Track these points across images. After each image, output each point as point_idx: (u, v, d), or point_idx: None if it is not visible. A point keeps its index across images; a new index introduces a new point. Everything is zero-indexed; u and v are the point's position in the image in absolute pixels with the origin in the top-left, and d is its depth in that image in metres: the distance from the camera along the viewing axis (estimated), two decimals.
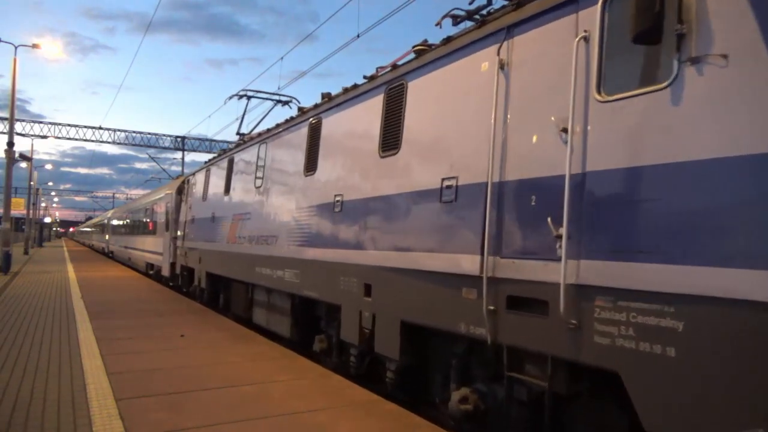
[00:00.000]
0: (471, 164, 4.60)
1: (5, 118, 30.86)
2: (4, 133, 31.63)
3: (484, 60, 4.62)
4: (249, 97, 12.92)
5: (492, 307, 4.18)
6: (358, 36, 13.47)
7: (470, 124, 4.69)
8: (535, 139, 4.00)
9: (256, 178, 9.83)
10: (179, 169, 43.71)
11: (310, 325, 8.09)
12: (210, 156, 42.57)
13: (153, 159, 42.35)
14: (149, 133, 40.65)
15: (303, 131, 8.08)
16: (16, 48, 22.33)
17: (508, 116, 4.27)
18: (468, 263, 4.46)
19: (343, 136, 7.00)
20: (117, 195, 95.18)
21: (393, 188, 5.66)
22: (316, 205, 7.34)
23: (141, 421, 4.63)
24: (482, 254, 4.29)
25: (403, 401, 5.61)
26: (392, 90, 5.96)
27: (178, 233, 16.06)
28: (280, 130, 9.08)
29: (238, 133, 12.92)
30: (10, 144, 21.29)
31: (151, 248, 20.75)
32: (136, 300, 13.15)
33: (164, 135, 41.23)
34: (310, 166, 7.65)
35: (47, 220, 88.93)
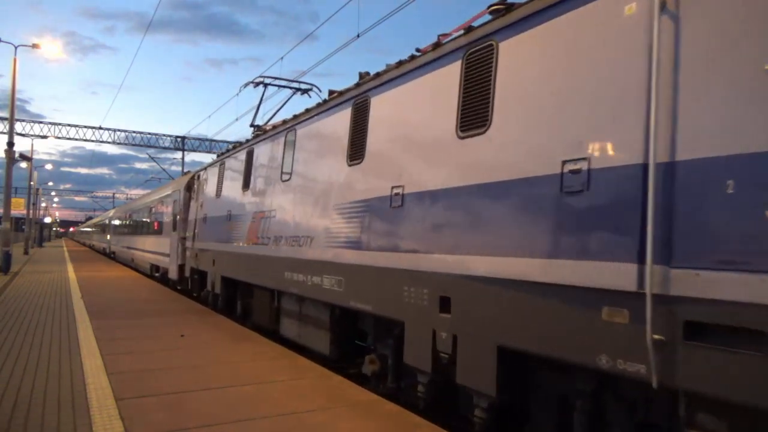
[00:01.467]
0: (610, 140, 3.52)
1: (5, 118, 30.88)
2: (4, 133, 31.65)
3: (629, 1, 3.51)
4: (266, 85, 11.98)
5: (659, 337, 3.10)
6: (358, 36, 13.48)
7: (605, 87, 3.59)
8: (733, 100, 2.92)
9: (282, 170, 8.64)
10: (179, 169, 43.76)
11: (353, 340, 7.24)
12: (210, 156, 42.72)
13: (153, 159, 42.42)
14: (149, 133, 40.67)
15: (344, 114, 6.92)
16: (16, 48, 22.35)
17: (680, 73, 3.17)
18: (614, 274, 3.37)
19: (401, 115, 5.79)
20: (117, 195, 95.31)
21: (482, 176, 4.54)
22: (364, 200, 6.20)
23: (141, 421, 4.63)
24: (641, 262, 3.21)
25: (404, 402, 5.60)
26: (475, 54, 4.79)
27: (188, 233, 14.99)
28: (313, 114, 7.88)
29: (252, 125, 11.94)
30: (10, 144, 21.29)
31: (157, 249, 19.58)
32: (136, 300, 13.14)
33: (164, 135, 41.25)
34: (356, 153, 6.50)
35: (47, 220, 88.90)
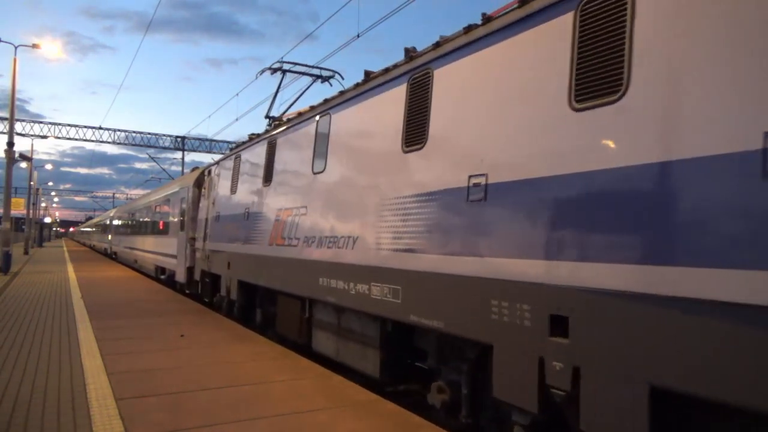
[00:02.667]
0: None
1: (5, 118, 30.89)
2: (3, 133, 31.66)
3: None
4: (284, 71, 10.95)
5: None
6: (358, 36, 13.47)
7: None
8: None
9: (314, 161, 7.54)
10: (179, 169, 43.79)
11: (406, 361, 6.19)
12: (210, 156, 42.73)
13: (153, 159, 42.46)
14: (149, 133, 40.70)
15: (396, 93, 5.89)
16: (16, 48, 22.35)
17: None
18: None
19: (478, 89, 4.74)
20: (117, 195, 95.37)
21: (621, 158, 3.39)
22: (428, 193, 5.14)
23: (141, 421, 4.63)
24: None
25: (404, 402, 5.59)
26: (591, 5, 3.76)
27: (197, 233, 13.83)
28: (352, 96, 6.84)
29: (267, 116, 11.01)
30: (10, 144, 21.29)
31: (163, 250, 18.31)
32: (136, 300, 13.14)
33: (164, 135, 41.29)
34: (415, 137, 5.46)
35: (47, 220, 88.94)
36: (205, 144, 41.88)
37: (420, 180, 5.32)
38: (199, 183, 14.63)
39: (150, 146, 40.63)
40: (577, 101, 3.75)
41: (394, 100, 5.92)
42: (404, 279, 5.36)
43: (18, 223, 63.72)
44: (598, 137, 3.58)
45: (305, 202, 7.69)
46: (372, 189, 6.11)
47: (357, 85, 6.85)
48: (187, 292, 14.99)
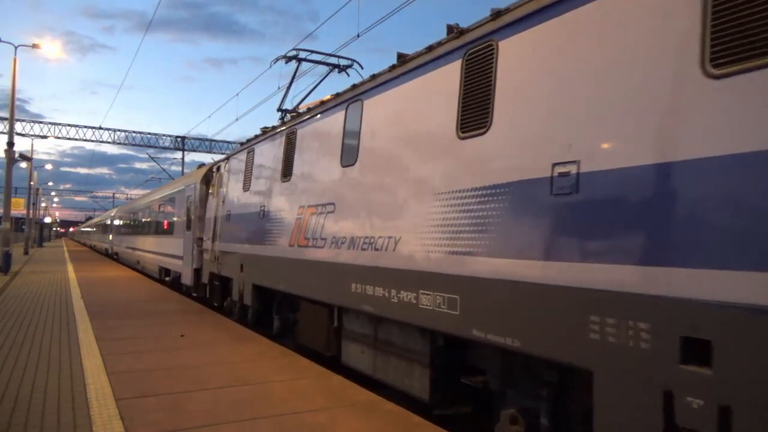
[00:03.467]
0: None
1: (5, 118, 30.90)
2: (3, 133, 31.66)
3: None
4: (300, 60, 10.17)
5: None
6: (358, 36, 13.48)
7: None
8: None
9: (343, 153, 6.76)
10: (179, 169, 43.80)
11: (459, 380, 5.15)
12: (210, 156, 42.72)
13: (153, 159, 42.46)
14: (149, 133, 40.73)
15: (446, 72, 5.10)
16: (16, 48, 22.34)
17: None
18: None
19: (565, 59, 3.93)
20: (117, 195, 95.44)
21: None
22: (496, 185, 4.35)
23: (141, 421, 4.63)
24: None
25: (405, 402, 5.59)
26: None
27: (205, 233, 13.01)
28: (387, 80, 6.09)
29: (280, 109, 10.21)
30: (10, 144, 21.30)
31: (168, 251, 17.44)
32: (136, 300, 13.14)
33: (164, 135, 41.32)
34: (474, 121, 4.69)
35: (47, 220, 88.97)
36: (205, 144, 41.91)
37: (483, 170, 4.50)
38: (206, 180, 13.80)
39: (150, 146, 40.68)
40: (713, 65, 2.95)
41: (443, 81, 5.12)
42: (464, 287, 4.55)
43: (18, 223, 63.73)
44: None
45: (333, 199, 6.90)
46: (417, 183, 5.29)
47: (393, 67, 6.07)
48: (194, 295, 14.10)
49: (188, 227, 14.46)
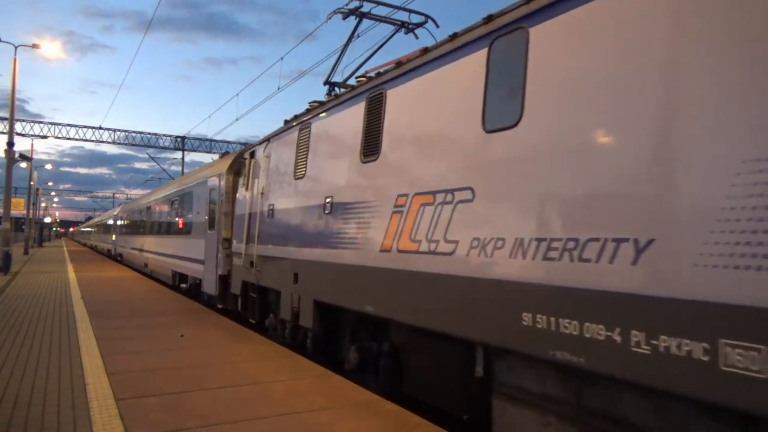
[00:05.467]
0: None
1: (5, 118, 30.91)
2: (3, 133, 31.67)
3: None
4: (362, 15, 8.49)
5: None
6: (358, 36, 13.46)
7: None
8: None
9: (486, 110, 4.60)
10: (179, 169, 43.82)
11: None
12: (210, 156, 42.67)
13: (153, 159, 42.47)
14: (149, 133, 40.76)
15: None
16: (15, 48, 22.34)
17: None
18: None
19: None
20: (117, 195, 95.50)
21: None
22: None
23: (141, 421, 4.63)
24: None
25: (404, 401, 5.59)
26: None
27: (235, 233, 11.07)
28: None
29: (327, 83, 8.69)
30: (10, 144, 21.30)
31: (184, 253, 15.27)
32: (135, 300, 13.14)
33: (164, 135, 41.34)
34: None
35: (47, 220, 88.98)
36: (205, 144, 41.93)
37: None
38: (235, 170, 11.77)
39: (150, 146, 40.71)
40: None
41: None
42: None
43: (18, 223, 63.73)
44: None
45: (470, 181, 4.66)
46: (688, 151, 3.04)
47: None
48: (220, 307, 12.12)
49: (211, 226, 12.54)
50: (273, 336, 9.01)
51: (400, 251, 5.52)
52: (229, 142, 41.94)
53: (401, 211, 5.57)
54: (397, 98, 5.98)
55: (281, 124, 9.32)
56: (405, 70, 5.86)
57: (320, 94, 8.92)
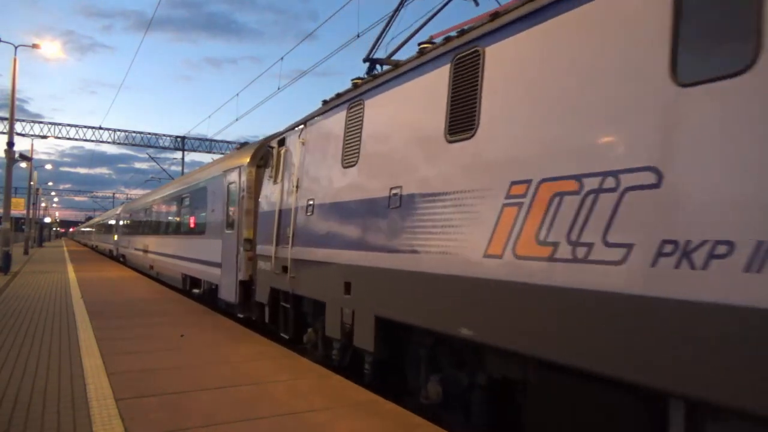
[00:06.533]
0: None
1: (5, 118, 30.92)
2: (3, 133, 31.68)
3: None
4: None
5: None
6: (358, 36, 13.49)
7: None
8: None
9: (680, 52, 3.08)
10: (179, 169, 43.83)
11: None
12: (210, 156, 42.65)
13: (153, 159, 42.50)
14: (149, 133, 40.80)
15: None
16: (15, 48, 22.33)
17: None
18: None
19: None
20: (117, 195, 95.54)
21: None
22: None
23: (141, 421, 4.63)
24: None
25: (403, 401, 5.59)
26: None
27: (259, 233, 9.78)
28: None
29: (368, 59, 7.51)
30: (10, 144, 21.30)
31: (197, 255, 13.93)
32: (135, 300, 13.14)
33: (164, 135, 41.37)
34: None
35: (47, 220, 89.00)
36: (205, 144, 41.97)
37: None
38: (261, 160, 10.49)
39: (150, 146, 40.75)
40: None
41: None
42: None
43: (18, 223, 63.71)
44: None
45: (651, 160, 3.19)
46: None
47: None
48: (241, 316, 10.70)
49: (229, 225, 11.36)
50: (313, 355, 7.65)
51: (518, 257, 4.03)
52: (229, 142, 41.96)
53: (519, 204, 4.09)
54: (505, 54, 4.41)
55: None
56: (513, 18, 4.38)
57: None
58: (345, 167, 6.73)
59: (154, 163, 43.14)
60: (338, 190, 6.86)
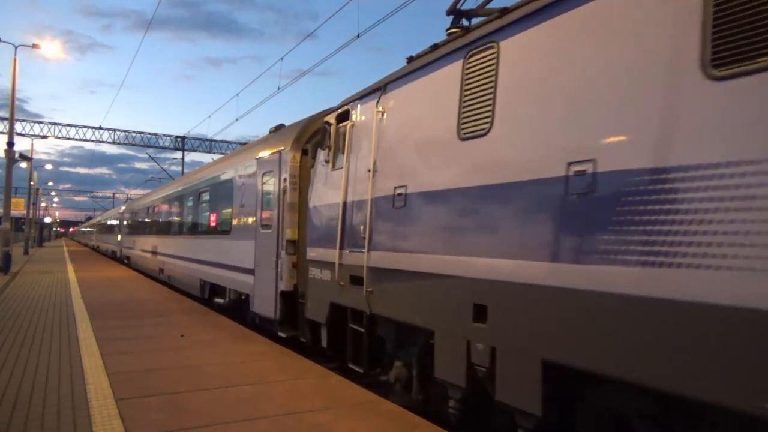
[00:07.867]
0: None
1: (5, 118, 30.92)
2: (3, 133, 31.68)
3: None
4: None
5: None
6: (358, 36, 13.49)
7: None
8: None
9: None
10: (179, 169, 43.84)
11: None
12: (210, 156, 42.61)
13: (153, 159, 42.51)
14: (149, 133, 40.81)
15: None
16: (15, 48, 22.33)
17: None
18: None
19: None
20: (117, 195, 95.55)
21: None
22: None
23: (141, 421, 4.63)
24: None
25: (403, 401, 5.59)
26: None
27: (310, 233, 7.79)
28: None
29: (453, 11, 5.57)
30: (10, 144, 21.30)
31: (219, 259, 11.93)
32: (135, 300, 13.13)
33: (164, 135, 41.37)
34: None
35: (47, 220, 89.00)
36: (205, 144, 41.97)
37: None
38: (315, 142, 8.40)
39: (150, 146, 40.75)
40: None
41: None
42: None
43: (18, 223, 63.69)
44: None
45: None
46: None
47: None
48: (282, 335, 8.71)
49: (264, 225, 9.50)
50: (402, 398, 5.80)
51: None
52: (229, 142, 41.99)
53: None
54: None
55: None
56: None
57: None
58: (463, 139, 4.77)
59: (154, 163, 43.18)
60: (452, 173, 4.90)
